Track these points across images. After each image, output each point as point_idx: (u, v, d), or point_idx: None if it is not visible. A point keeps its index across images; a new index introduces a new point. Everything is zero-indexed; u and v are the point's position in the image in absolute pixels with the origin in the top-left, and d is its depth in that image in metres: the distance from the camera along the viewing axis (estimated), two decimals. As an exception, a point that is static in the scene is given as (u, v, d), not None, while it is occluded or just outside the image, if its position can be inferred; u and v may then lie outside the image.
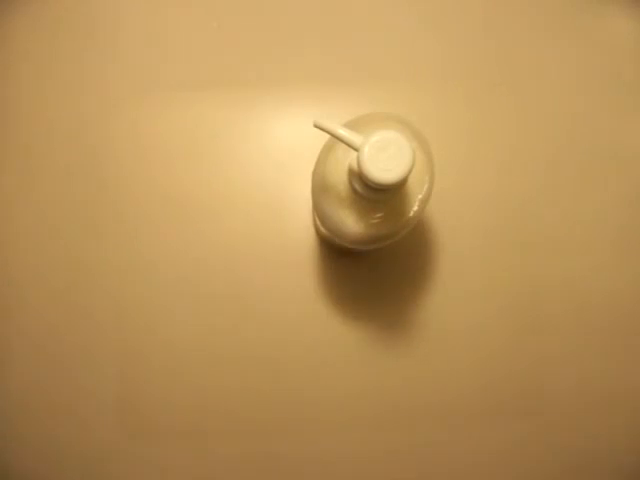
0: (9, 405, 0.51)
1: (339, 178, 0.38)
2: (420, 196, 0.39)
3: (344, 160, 0.38)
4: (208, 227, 0.52)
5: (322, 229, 0.45)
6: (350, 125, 0.38)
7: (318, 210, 0.42)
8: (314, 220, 0.50)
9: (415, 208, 0.39)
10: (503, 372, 0.51)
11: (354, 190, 0.37)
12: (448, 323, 0.52)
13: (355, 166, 0.36)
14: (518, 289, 0.52)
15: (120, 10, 0.55)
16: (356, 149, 0.35)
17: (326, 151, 0.40)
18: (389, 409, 0.51)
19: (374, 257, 0.52)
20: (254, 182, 0.53)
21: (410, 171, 0.34)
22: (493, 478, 0.51)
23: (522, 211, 0.53)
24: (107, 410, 0.51)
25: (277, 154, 0.53)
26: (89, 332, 0.51)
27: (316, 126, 0.36)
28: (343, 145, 0.36)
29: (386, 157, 0.34)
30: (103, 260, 0.52)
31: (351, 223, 0.39)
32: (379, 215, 0.39)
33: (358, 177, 0.36)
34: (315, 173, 0.41)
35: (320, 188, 0.40)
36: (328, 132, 0.36)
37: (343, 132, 0.36)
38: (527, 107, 0.54)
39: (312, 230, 0.52)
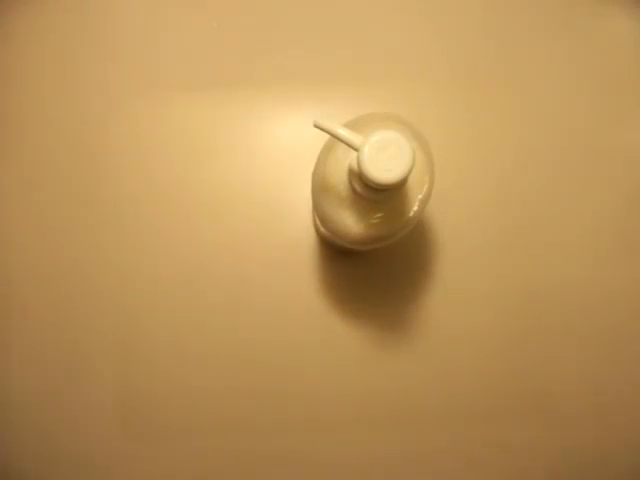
0: (9, 406, 0.51)
1: (339, 178, 0.38)
2: (420, 196, 0.39)
3: (344, 160, 0.38)
4: (208, 227, 0.52)
5: (322, 229, 0.45)
6: (350, 125, 0.38)
7: (318, 210, 0.42)
8: (314, 220, 0.50)
9: (415, 208, 0.39)
10: (504, 372, 0.51)
11: (354, 190, 0.37)
12: (448, 323, 0.52)
13: (355, 166, 0.36)
14: (518, 288, 0.52)
15: (120, 10, 0.55)
16: (356, 149, 0.35)
17: (326, 151, 0.40)
18: (389, 409, 0.51)
19: (374, 257, 0.52)
20: (254, 182, 0.53)
21: (410, 171, 0.34)
22: (494, 478, 0.51)
23: (522, 210, 0.53)
24: (107, 410, 0.51)
25: (277, 154, 0.53)
26: (89, 332, 0.51)
27: (316, 126, 0.36)
28: (343, 145, 0.36)
29: (386, 157, 0.34)
30: (103, 260, 0.52)
31: (351, 223, 0.39)
32: (379, 215, 0.39)
33: (358, 177, 0.36)
34: (315, 173, 0.41)
35: (320, 188, 0.40)
36: (328, 132, 0.36)
37: (343, 132, 0.35)
38: (527, 107, 0.54)
39: (312, 230, 0.52)
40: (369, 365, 0.51)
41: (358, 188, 0.37)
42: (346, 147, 0.36)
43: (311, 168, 0.42)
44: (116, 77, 0.54)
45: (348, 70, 0.54)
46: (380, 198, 0.37)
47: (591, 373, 0.51)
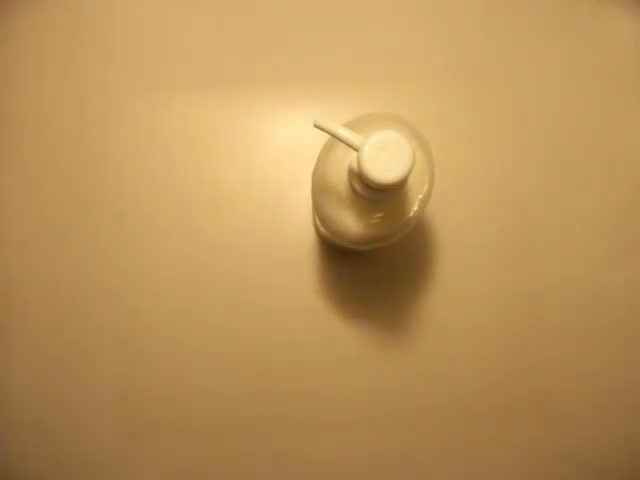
0: (9, 405, 0.51)
1: (339, 178, 0.38)
2: (420, 196, 0.39)
3: (344, 160, 0.38)
4: (208, 227, 0.52)
5: (322, 229, 0.45)
6: (350, 125, 0.38)
7: (318, 210, 0.42)
8: (314, 220, 0.50)
9: (415, 208, 0.39)
10: (503, 372, 0.51)
11: (354, 190, 0.37)
12: (448, 323, 0.52)
13: (355, 166, 0.36)
14: (518, 288, 0.52)
15: (120, 10, 0.55)
16: (356, 149, 0.35)
17: (326, 151, 0.40)
18: (389, 409, 0.51)
19: (374, 257, 0.52)
20: (254, 182, 0.53)
21: (410, 171, 0.34)
22: (494, 478, 0.51)
23: (522, 211, 0.53)
24: (107, 410, 0.51)
25: (277, 154, 0.53)
26: (89, 332, 0.51)
27: (316, 126, 0.36)
28: (343, 145, 0.36)
29: (386, 157, 0.34)
30: (103, 260, 0.52)
31: (351, 223, 0.39)
32: (379, 215, 0.39)
33: (358, 177, 0.36)
34: (315, 173, 0.41)
35: (320, 188, 0.40)
36: (328, 132, 0.36)
37: (343, 132, 0.35)
38: (527, 107, 0.54)
39: (312, 230, 0.52)
40: (369, 365, 0.51)
41: (358, 188, 0.37)
42: (346, 147, 0.36)
43: (311, 168, 0.42)
44: (116, 77, 0.54)
45: (348, 70, 0.54)
46: (380, 198, 0.37)
47: (591, 373, 0.51)
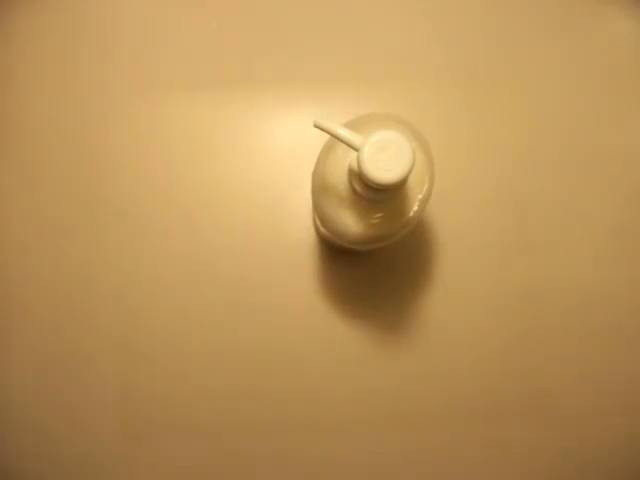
0: (9, 405, 0.51)
1: (339, 178, 0.38)
2: (420, 196, 0.39)
3: (344, 160, 0.38)
4: (208, 227, 0.52)
5: (322, 229, 0.45)
6: (350, 125, 0.38)
7: (318, 210, 0.42)
8: (314, 220, 0.50)
9: (415, 208, 0.39)
10: (504, 372, 0.51)
11: (354, 190, 0.37)
12: (448, 323, 0.52)
13: (355, 166, 0.36)
14: (518, 289, 0.52)
15: (120, 10, 0.55)
16: (356, 149, 0.35)
17: (326, 151, 0.40)
18: (389, 409, 0.51)
19: (374, 257, 0.52)
20: (254, 182, 0.53)
21: (410, 171, 0.34)
22: (494, 478, 0.51)
23: (522, 211, 0.53)
24: (107, 410, 0.51)
25: (277, 154, 0.53)
26: (89, 332, 0.51)
27: (316, 126, 0.36)
28: (343, 145, 0.36)
29: (386, 157, 0.34)
30: (103, 260, 0.52)
31: (351, 223, 0.39)
32: (379, 215, 0.39)
33: (358, 177, 0.36)
34: (315, 173, 0.41)
35: (320, 188, 0.40)
36: (328, 132, 0.36)
37: (343, 132, 0.36)
38: (527, 107, 0.54)
39: (312, 230, 0.52)
40: (369, 365, 0.51)
41: (358, 188, 0.37)
42: (346, 147, 0.36)
43: (311, 168, 0.42)
44: (116, 77, 0.54)
45: (348, 70, 0.54)
46: (380, 198, 0.37)
47: (591, 373, 0.51)
